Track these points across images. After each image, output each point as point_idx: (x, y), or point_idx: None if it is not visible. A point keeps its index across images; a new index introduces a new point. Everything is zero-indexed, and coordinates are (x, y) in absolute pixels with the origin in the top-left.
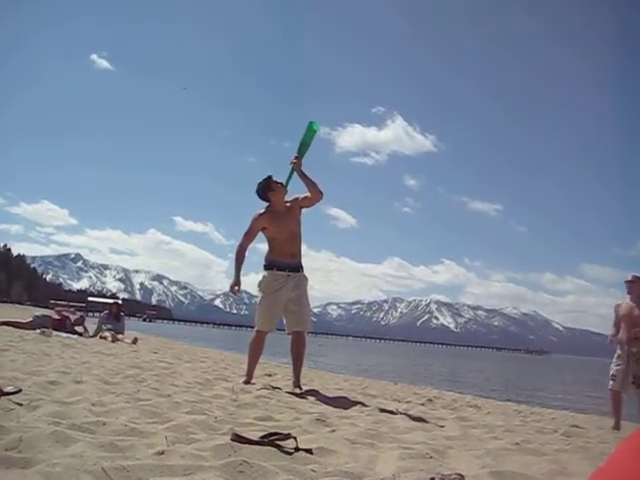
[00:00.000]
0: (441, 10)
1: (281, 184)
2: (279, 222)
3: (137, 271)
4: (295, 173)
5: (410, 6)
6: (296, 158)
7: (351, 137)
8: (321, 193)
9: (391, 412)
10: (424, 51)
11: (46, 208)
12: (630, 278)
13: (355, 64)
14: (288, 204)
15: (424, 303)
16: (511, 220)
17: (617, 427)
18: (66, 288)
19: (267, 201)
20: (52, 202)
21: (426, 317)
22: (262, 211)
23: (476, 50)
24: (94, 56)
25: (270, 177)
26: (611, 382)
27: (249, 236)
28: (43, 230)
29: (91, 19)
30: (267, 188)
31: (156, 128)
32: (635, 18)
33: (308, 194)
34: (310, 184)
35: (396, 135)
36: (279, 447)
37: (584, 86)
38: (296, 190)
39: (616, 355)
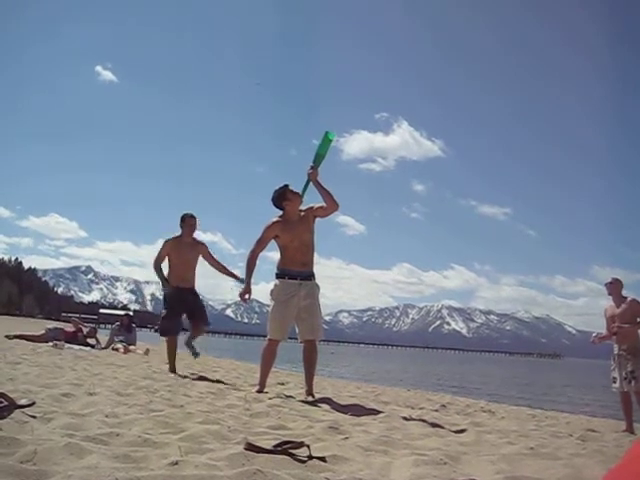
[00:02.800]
0: (443, 12)
1: (297, 194)
2: (292, 231)
3: (148, 282)
4: (311, 183)
5: (410, 8)
6: (312, 168)
7: (358, 143)
8: (337, 204)
9: (404, 418)
10: (426, 55)
11: (55, 221)
12: (610, 280)
13: (357, 70)
14: (302, 213)
15: (435, 309)
16: (520, 223)
17: (630, 429)
18: (77, 300)
19: (282, 209)
20: (61, 215)
21: (438, 323)
22: (275, 219)
23: (481, 52)
24: (99, 67)
25: (287, 186)
26: (613, 384)
27: (261, 244)
28: (53, 243)
29: (95, 30)
30: (283, 197)
31: (160, 138)
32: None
33: (324, 204)
34: (326, 195)
35: (403, 140)
36: (292, 455)
37: (594, 88)
38: (312, 200)
39: (612, 357)
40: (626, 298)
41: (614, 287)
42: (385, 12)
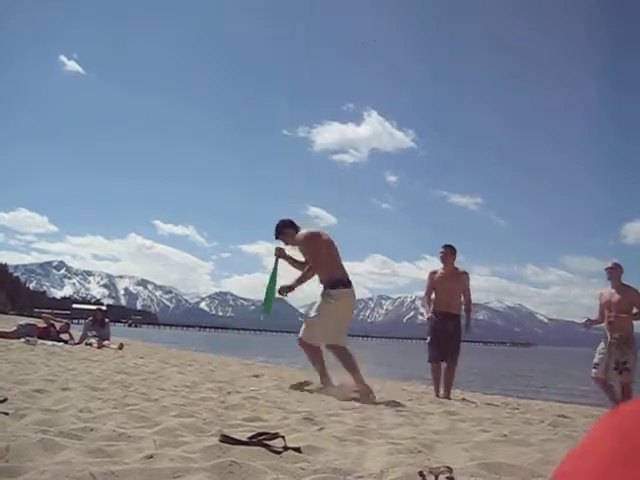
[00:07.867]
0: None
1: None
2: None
3: (121, 276)
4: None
5: None
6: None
7: (330, 134)
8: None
9: (379, 408)
10: (392, 43)
11: (24, 215)
12: (610, 265)
13: (322, 59)
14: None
15: (409, 300)
16: (491, 213)
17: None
18: (50, 296)
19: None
20: (30, 209)
21: (412, 314)
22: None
23: (450, 40)
24: (63, 58)
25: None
26: (593, 370)
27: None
28: (23, 238)
29: (59, 18)
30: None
31: (130, 132)
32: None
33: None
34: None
35: (374, 131)
36: (268, 447)
37: (563, 76)
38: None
39: (601, 343)
40: (627, 286)
41: (614, 272)
42: (350, 2)
